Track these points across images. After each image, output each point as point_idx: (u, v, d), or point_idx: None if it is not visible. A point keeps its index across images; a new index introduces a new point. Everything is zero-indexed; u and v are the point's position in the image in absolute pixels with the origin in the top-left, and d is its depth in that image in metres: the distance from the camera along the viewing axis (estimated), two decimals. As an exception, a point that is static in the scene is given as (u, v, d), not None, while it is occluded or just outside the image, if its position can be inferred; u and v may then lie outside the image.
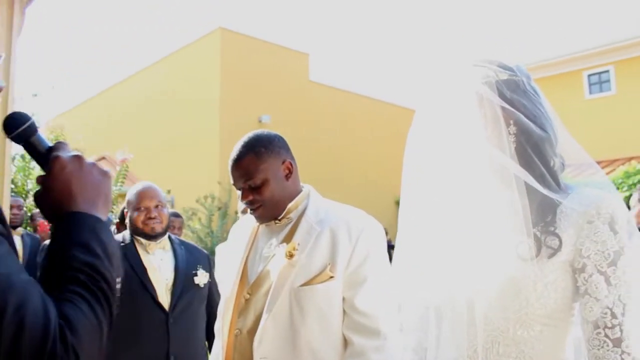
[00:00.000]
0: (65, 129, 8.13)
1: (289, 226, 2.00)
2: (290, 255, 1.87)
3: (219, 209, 13.41)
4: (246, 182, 1.94)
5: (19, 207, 5.73)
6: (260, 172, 1.93)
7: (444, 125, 1.45)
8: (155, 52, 17.15)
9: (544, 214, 1.35)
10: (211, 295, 3.11)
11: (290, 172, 2.01)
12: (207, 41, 15.35)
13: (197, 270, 3.00)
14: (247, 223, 2.18)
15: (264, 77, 15.43)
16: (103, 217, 1.05)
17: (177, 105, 15.69)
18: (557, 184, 1.39)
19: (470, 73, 1.42)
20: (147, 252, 2.95)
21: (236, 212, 13.54)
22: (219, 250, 4.12)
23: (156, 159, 15.33)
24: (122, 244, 2.93)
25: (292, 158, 2.04)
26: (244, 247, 2.08)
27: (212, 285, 3.13)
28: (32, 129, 1.06)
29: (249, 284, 1.97)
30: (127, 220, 3.02)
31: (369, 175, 17.09)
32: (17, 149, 8.69)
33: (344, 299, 1.87)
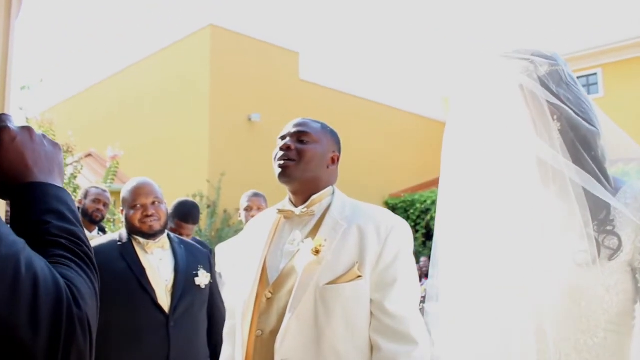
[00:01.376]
0: (54, 124, 8.00)
1: (313, 221, 1.93)
2: (317, 252, 1.78)
3: (208, 207, 13.34)
4: (298, 132, 1.95)
5: None
6: (316, 135, 1.96)
7: (486, 123, 1.36)
8: (145, 48, 16.99)
9: (597, 211, 1.26)
10: (212, 296, 2.97)
11: (332, 164, 2.02)
12: (198, 38, 15.24)
13: (198, 270, 2.85)
14: (266, 219, 2.09)
15: (254, 75, 15.35)
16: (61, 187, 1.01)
17: (166, 102, 15.57)
18: (607, 179, 1.31)
19: (511, 66, 1.34)
20: (146, 252, 2.79)
21: (225, 211, 13.50)
22: (220, 249, 4.05)
23: (145, 156, 15.21)
24: (119, 243, 2.79)
25: (339, 159, 2.07)
26: (263, 243, 1.98)
27: (213, 286, 2.99)
28: None
29: (270, 282, 1.88)
30: (122, 219, 2.88)
31: (358, 175, 17.07)
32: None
33: (372, 300, 1.79)
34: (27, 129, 1.00)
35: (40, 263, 0.80)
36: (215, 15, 15.38)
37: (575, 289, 1.25)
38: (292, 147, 1.91)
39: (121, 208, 2.90)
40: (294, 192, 1.98)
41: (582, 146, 1.29)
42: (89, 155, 13.87)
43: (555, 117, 1.30)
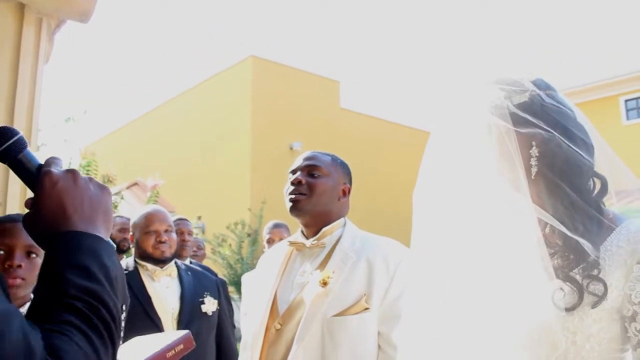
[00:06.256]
0: (97, 155, 8.20)
1: (324, 253, 1.94)
2: (324, 283, 1.79)
3: (249, 235, 13.38)
4: (308, 165, 1.99)
5: None
6: (327, 168, 1.99)
7: (452, 160, 1.27)
8: (187, 80, 17.43)
9: (585, 254, 1.14)
10: (221, 323, 2.96)
11: (344, 196, 2.04)
12: (239, 69, 15.52)
13: (204, 297, 2.84)
14: (278, 251, 2.12)
15: (295, 105, 15.49)
16: (104, 236, 0.93)
17: (209, 132, 15.84)
18: (599, 211, 1.19)
19: (478, 97, 1.24)
20: (153, 280, 2.79)
21: (266, 239, 13.55)
22: (245, 279, 4.01)
23: (187, 186, 15.45)
24: (125, 272, 2.76)
25: (350, 191, 2.09)
26: (275, 275, 2.00)
27: (222, 313, 2.98)
28: (20, 145, 0.93)
29: (280, 314, 1.89)
30: (132, 245, 2.90)
31: (401, 203, 16.86)
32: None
33: (379, 333, 1.78)
34: (71, 173, 0.94)
35: (15, 337, 0.69)
36: (256, 46, 15.67)
37: (550, 334, 1.13)
38: (303, 181, 1.95)
39: (131, 234, 2.91)
40: (305, 225, 2.01)
41: (558, 174, 1.18)
42: (135, 184, 14.14)
43: (533, 143, 1.18)
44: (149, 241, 2.79)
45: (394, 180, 17.10)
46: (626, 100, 17.54)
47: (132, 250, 2.92)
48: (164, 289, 2.80)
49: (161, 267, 2.83)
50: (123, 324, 0.89)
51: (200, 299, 2.84)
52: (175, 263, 2.96)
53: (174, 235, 2.89)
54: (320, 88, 16.42)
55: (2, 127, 0.94)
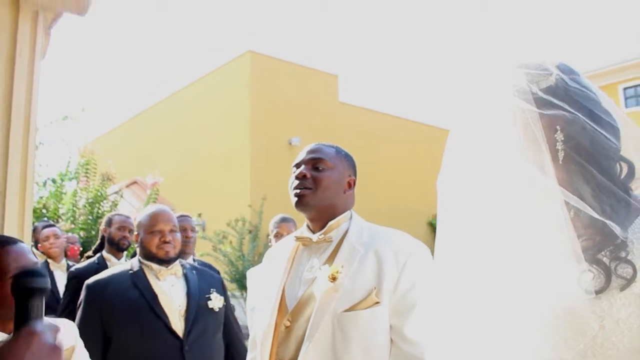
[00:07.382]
0: (95, 154, 8.18)
1: (331, 247, 1.90)
2: (334, 278, 1.75)
3: (250, 232, 13.35)
4: (313, 159, 1.94)
5: (56, 236, 5.46)
6: (331, 161, 1.95)
7: (477, 145, 1.26)
8: (185, 76, 17.36)
9: (612, 236, 1.12)
10: (227, 320, 2.98)
11: (349, 188, 2.00)
12: (237, 64, 15.46)
13: (210, 294, 2.85)
14: (284, 246, 2.08)
15: (293, 99, 15.44)
16: None
17: (207, 129, 15.79)
18: (627, 193, 1.16)
19: (502, 82, 1.24)
20: (158, 279, 2.80)
21: (267, 235, 13.48)
22: (250, 275, 3.95)
23: (187, 183, 15.41)
24: (130, 272, 2.81)
25: (355, 183, 2.05)
26: (282, 271, 1.96)
27: (227, 310, 3.00)
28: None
29: (289, 311, 1.86)
30: (137, 245, 2.90)
31: (401, 196, 16.88)
32: (49, 174, 8.76)
33: (391, 326, 1.75)
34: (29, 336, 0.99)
35: None
36: (254, 41, 15.61)
37: (578, 318, 1.11)
38: (308, 175, 1.90)
39: (136, 233, 2.92)
40: (311, 219, 1.97)
41: (585, 157, 1.16)
42: (135, 182, 14.12)
43: (557, 127, 1.17)
44: (153, 241, 2.79)
45: (394, 173, 17.07)
46: (625, 88, 17.52)
47: (137, 250, 2.91)
48: (169, 287, 2.81)
49: (166, 267, 2.83)
50: None
51: (207, 296, 2.85)
52: (180, 262, 2.96)
53: (178, 235, 2.89)
54: (318, 82, 16.37)
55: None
